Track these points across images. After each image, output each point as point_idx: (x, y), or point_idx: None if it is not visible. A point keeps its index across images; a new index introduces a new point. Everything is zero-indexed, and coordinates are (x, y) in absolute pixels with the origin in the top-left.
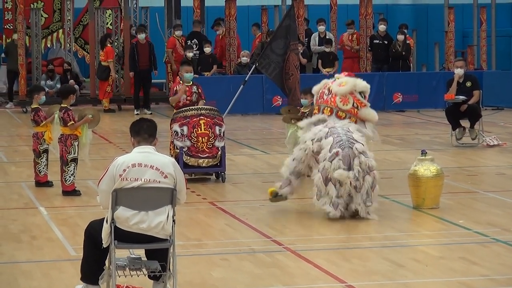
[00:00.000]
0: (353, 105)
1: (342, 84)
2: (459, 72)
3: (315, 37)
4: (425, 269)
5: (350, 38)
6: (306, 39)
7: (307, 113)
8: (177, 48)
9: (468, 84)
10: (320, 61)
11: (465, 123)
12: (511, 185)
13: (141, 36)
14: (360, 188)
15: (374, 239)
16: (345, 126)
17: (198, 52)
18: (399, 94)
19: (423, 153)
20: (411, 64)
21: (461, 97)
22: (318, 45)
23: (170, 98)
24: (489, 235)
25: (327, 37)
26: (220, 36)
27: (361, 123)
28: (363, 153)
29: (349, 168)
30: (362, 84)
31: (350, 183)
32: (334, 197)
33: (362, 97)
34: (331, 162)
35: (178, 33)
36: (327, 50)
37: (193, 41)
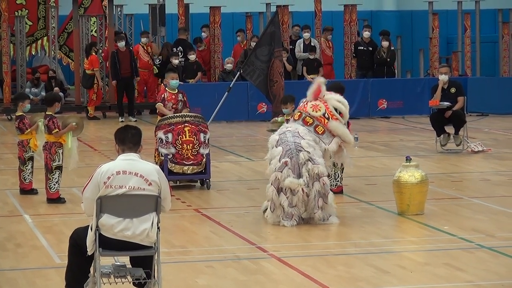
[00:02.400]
0: (323, 114)
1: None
2: (443, 78)
3: (300, 44)
4: (410, 275)
5: (327, 45)
6: (291, 46)
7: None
8: (141, 55)
9: (453, 90)
10: (304, 68)
11: (450, 129)
12: (495, 191)
13: (121, 44)
14: (309, 195)
15: (359, 245)
16: (296, 130)
17: (183, 59)
18: (384, 100)
19: (408, 159)
20: (396, 70)
21: (445, 103)
22: (303, 52)
23: (157, 104)
24: (474, 241)
25: (312, 44)
26: (201, 48)
27: (330, 135)
28: (310, 160)
29: (299, 176)
30: (336, 101)
31: (302, 190)
32: (287, 206)
33: (337, 112)
34: (281, 172)
35: (144, 40)
36: (311, 57)
37: (178, 48)
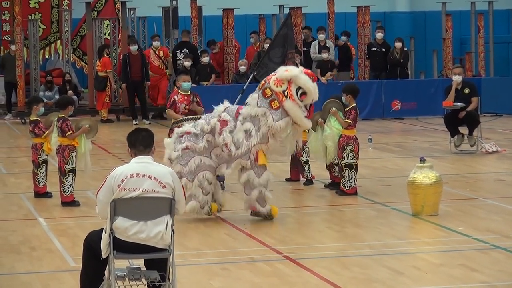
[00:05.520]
0: (283, 91)
1: (287, 70)
2: (457, 79)
3: (315, 45)
4: (425, 276)
5: None
6: (305, 48)
7: None
8: (151, 59)
9: (467, 91)
10: (318, 70)
11: (464, 130)
12: (510, 191)
13: (134, 48)
14: None
15: (373, 246)
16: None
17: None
18: (398, 101)
19: (422, 160)
20: (409, 72)
21: (459, 104)
22: (318, 53)
23: (167, 110)
24: (489, 242)
25: (327, 45)
26: (215, 51)
27: (284, 113)
28: None
29: None
30: (303, 80)
31: None
32: None
33: (298, 94)
34: None
35: (156, 44)
36: (324, 56)
37: (183, 51)
